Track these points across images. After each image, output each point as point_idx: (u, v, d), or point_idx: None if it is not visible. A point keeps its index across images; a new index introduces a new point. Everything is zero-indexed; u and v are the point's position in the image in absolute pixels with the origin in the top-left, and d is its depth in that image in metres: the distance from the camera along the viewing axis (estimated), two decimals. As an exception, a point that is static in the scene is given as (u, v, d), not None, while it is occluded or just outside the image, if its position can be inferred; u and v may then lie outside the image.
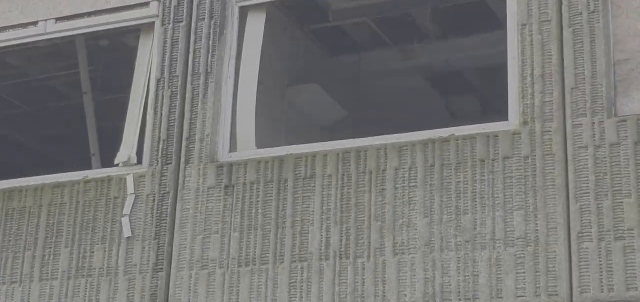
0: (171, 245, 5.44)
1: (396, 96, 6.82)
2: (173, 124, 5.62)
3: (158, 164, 5.57)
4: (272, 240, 5.20)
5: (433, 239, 4.83)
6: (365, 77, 6.77)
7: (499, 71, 5.25)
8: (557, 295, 4.48)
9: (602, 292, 4.40)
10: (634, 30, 4.71)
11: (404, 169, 5.00)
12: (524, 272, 4.57)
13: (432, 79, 6.84)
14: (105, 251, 5.54)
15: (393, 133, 5.13)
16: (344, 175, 5.13)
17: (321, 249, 5.07)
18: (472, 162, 4.86)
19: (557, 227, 4.57)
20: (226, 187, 5.40)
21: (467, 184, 4.83)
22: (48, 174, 5.90)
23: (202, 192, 5.45)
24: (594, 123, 4.66)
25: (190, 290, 5.30)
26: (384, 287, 4.86)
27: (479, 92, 6.91)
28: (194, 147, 5.52)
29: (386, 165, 5.05)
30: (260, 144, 5.54)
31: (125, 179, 5.62)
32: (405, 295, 4.80)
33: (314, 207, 5.15)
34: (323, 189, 5.16)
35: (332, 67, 6.73)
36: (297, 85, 6.36)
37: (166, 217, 5.49)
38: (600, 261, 4.44)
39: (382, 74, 6.78)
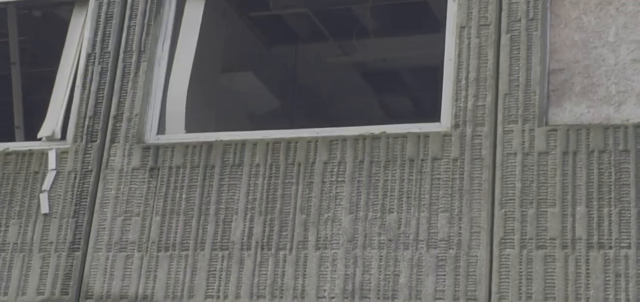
0: (90, 224, 5.29)
1: (331, 90, 6.78)
2: (101, 101, 5.47)
3: (82, 141, 5.42)
4: (193, 226, 5.09)
5: (356, 236, 4.77)
6: (301, 68, 6.72)
7: (435, 73, 5.23)
8: (475, 299, 4.47)
9: (520, 299, 4.40)
10: (571, 41, 4.73)
11: (332, 163, 4.95)
12: (444, 275, 4.54)
13: (368, 75, 6.81)
14: (20, 226, 5.37)
15: (325, 127, 5.08)
16: (272, 165, 5.05)
17: (243, 239, 4.98)
18: (401, 160, 4.82)
19: (480, 231, 4.56)
20: (151, 169, 5.28)
21: (395, 182, 4.79)
22: (-32, 143, 5.71)
23: (125, 173, 5.32)
24: (524, 130, 4.66)
25: (106, 272, 5.16)
26: (304, 280, 4.79)
27: (413, 92, 6.92)
28: (121, 126, 5.39)
29: (315, 158, 4.99)
30: (189, 128, 5.44)
31: (47, 154, 5.46)
32: (325, 290, 4.74)
33: (239, 195, 5.06)
34: (250, 178, 5.08)
35: (269, 57, 6.66)
36: (232, 72, 6.27)
37: (87, 195, 5.34)
38: (521, 269, 4.44)
39: (318, 66, 6.73)
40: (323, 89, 6.78)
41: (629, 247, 4.31)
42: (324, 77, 6.81)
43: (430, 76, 5.92)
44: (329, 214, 4.86)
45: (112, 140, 5.37)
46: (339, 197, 4.87)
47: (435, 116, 4.92)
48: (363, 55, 6.62)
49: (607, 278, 4.30)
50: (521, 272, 4.43)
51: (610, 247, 4.34)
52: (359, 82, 6.85)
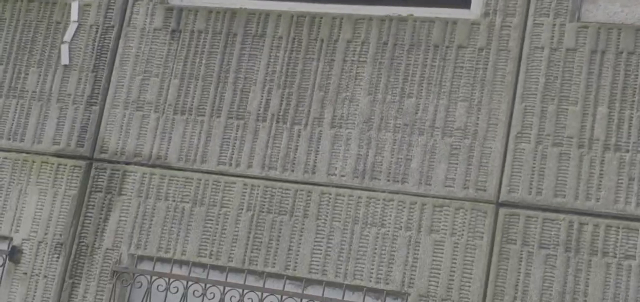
0: (108, 80, 5.58)
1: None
2: (127, -43, 5.68)
3: (106, -4, 5.67)
4: (211, 93, 5.35)
5: (372, 117, 4.99)
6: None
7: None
8: (484, 190, 4.69)
9: (530, 194, 4.61)
10: (614, -63, 4.80)
11: (356, 42, 5.13)
12: (457, 163, 4.76)
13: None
14: (39, 75, 5.68)
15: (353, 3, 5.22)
16: (294, 38, 5.25)
17: (259, 110, 5.23)
18: (425, 45, 4.99)
19: (497, 123, 4.75)
20: (173, 31, 5.51)
21: (417, 67, 4.97)
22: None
23: (147, 32, 5.56)
24: (554, 25, 4.78)
25: (121, 129, 5.47)
26: (316, 157, 5.04)
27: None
28: (153, -15, 5.61)
29: (339, 35, 5.17)
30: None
31: (70, 5, 5.72)
32: (336, 168, 4.99)
33: (259, 66, 5.28)
34: (271, 49, 5.29)
35: None
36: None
37: (107, 51, 5.61)
38: (534, 164, 4.64)
39: None
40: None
41: (646, 153, 4.49)
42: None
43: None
44: (347, 94, 5.07)
45: (136, -1, 5.62)
46: (359, 77, 5.06)
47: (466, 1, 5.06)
48: None
49: (620, 181, 4.48)
50: (534, 167, 4.63)
51: (627, 151, 4.51)
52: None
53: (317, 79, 5.14)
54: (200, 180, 5.25)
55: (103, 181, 5.42)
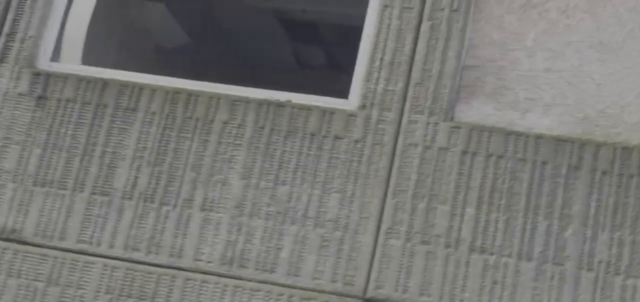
0: (-36, 147, 5.80)
1: (245, 31, 7.39)
2: (-6, 16, 5.95)
3: (-33, 56, 5.90)
4: (75, 165, 5.64)
5: (245, 203, 5.43)
6: (217, 6, 7.28)
7: (352, 32, 5.89)
8: (352, 284, 5.18)
9: (396, 291, 5.13)
10: (490, 39, 5.44)
11: (232, 124, 5.55)
12: (327, 255, 5.23)
13: (285, 22, 7.52)
14: None
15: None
16: (169, 115, 5.62)
17: (126, 187, 5.57)
18: (303, 133, 5.46)
19: (369, 217, 5.27)
20: (39, 97, 5.79)
21: (293, 154, 5.45)
22: None
23: (10, 97, 5.81)
24: (429, 123, 5.37)
25: (-25, 199, 5.70)
26: (184, 240, 5.41)
27: (328, 47, 7.71)
28: (13, 46, 5.84)
29: (215, 116, 5.59)
30: (86, 60, 5.97)
31: None
32: (203, 253, 5.39)
33: (129, 141, 5.63)
34: (143, 125, 5.62)
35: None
36: (142, 2, 6.78)
37: (-35, 115, 5.84)
38: (402, 261, 5.17)
39: (234, 6, 7.32)
40: (237, 30, 7.38)
41: (510, 256, 5.09)
42: (239, 18, 7.42)
43: (347, 34, 6.62)
44: (221, 176, 5.50)
45: (1, 60, 5.82)
46: (234, 160, 5.49)
47: (343, 89, 5.58)
48: (282, 3, 7.30)
49: (484, 283, 5.06)
50: (402, 264, 5.16)
51: (492, 253, 5.12)
52: (275, 27, 7.53)
53: (190, 159, 5.54)
54: (57, 258, 5.49)
55: (-48, 253, 5.62)
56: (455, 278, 5.06)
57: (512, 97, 5.31)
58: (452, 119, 5.32)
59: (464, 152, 5.25)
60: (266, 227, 5.33)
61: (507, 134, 5.23)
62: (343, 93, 5.53)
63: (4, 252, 5.55)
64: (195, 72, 6.18)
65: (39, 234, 5.54)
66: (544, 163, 5.15)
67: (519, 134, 5.21)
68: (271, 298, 5.22)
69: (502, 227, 5.10)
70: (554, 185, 5.12)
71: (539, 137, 5.20)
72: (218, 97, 5.58)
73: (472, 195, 5.17)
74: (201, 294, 5.29)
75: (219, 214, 5.40)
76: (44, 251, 5.51)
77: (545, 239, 5.05)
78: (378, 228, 5.21)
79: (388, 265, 5.14)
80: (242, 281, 5.27)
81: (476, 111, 5.32)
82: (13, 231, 5.57)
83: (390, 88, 5.42)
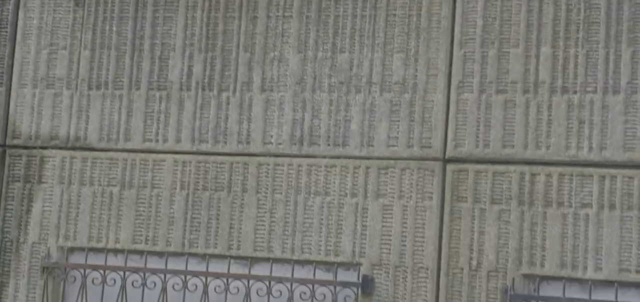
0: (12, 57, 5.59)
1: None
2: None
3: (-3, -38, 5.63)
4: (127, 63, 5.42)
5: (305, 78, 5.14)
6: None
7: None
8: (429, 147, 4.91)
9: (477, 147, 4.84)
10: None
11: (279, -7, 5.22)
12: (399, 120, 4.96)
13: None
14: None
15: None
16: (212, -6, 5.32)
17: (182, 78, 5.33)
18: (355, -9, 5.11)
19: (437, 74, 4.94)
20: (76, -4, 5.55)
21: (347, 18, 5.10)
22: None
23: (48, 0, 5.58)
24: (489, -41, 4.95)
25: (33, 110, 5.51)
26: (249, 125, 5.19)
27: None
28: (45, -54, 5.58)
29: (260, -13, 5.26)
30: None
31: (-43, -23, 5.68)
32: (271, 135, 5.16)
33: (177, 29, 5.36)
34: (187, 10, 5.35)
35: None
36: None
37: (6, 25, 5.61)
38: (479, 115, 4.86)
39: None
40: None
41: (594, 91, 4.73)
42: None
43: None
44: (276, 53, 5.19)
45: (33, -37, 5.59)
46: (286, 34, 5.17)
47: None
48: None
49: (570, 125, 4.74)
50: (479, 118, 4.85)
51: (575, 92, 4.76)
52: None
53: (242, 40, 5.25)
54: (126, 160, 5.37)
55: (20, 169, 5.50)
56: (538, 124, 4.74)
57: None
58: (513, -49, 4.87)
59: (531, -13, 4.84)
60: (331, 99, 5.04)
61: (576, -41, 4.78)
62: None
63: (72, 161, 5.39)
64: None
65: (104, 138, 5.37)
66: (618, -18, 4.72)
67: (588, -43, 4.76)
68: (347, 173, 4.99)
69: (583, 62, 4.72)
70: (635, 7, 4.68)
71: (611, -43, 4.74)
72: (261, -35, 5.22)
73: (545, 32, 4.77)
74: (276, 177, 5.08)
75: (281, 93, 5.12)
76: (111, 154, 5.36)
77: (632, 67, 4.65)
78: (448, 83, 4.88)
79: (464, 121, 4.83)
80: (315, 159, 5.04)
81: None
82: (77, 138, 5.41)
83: None
